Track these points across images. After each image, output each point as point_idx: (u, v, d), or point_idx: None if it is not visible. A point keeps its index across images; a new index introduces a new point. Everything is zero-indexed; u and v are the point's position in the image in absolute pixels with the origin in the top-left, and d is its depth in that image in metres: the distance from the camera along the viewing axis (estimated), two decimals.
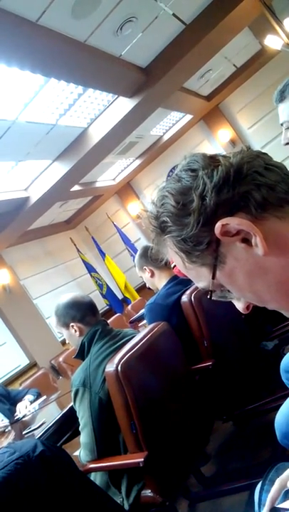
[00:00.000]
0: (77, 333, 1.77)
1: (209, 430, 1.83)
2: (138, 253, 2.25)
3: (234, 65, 5.87)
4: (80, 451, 1.59)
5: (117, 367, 1.45)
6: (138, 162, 6.99)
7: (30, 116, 3.66)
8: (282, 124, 1.36)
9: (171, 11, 3.46)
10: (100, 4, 2.86)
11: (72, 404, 1.70)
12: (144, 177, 7.53)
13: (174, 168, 7.04)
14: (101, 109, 4.42)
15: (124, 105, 4.35)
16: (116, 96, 4.27)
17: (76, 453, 1.64)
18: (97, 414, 1.53)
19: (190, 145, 7.06)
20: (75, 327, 1.77)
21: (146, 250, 2.19)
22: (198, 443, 1.73)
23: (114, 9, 3.01)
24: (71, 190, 5.70)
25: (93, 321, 1.78)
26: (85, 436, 1.56)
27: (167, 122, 6.43)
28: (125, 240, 7.22)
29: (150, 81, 4.14)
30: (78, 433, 1.68)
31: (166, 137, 6.79)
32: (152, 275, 2.18)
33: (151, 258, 2.13)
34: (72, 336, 1.80)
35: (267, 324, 2.34)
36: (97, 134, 4.56)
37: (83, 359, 1.73)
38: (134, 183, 7.66)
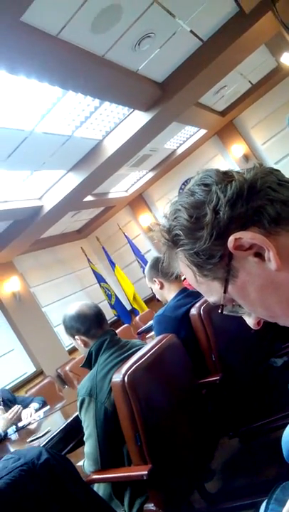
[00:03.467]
0: (82, 345, 1.79)
1: (214, 445, 1.81)
2: (148, 264, 2.26)
3: (250, 82, 5.93)
4: (84, 461, 1.59)
5: (123, 377, 1.44)
6: (151, 175, 7.05)
7: (46, 127, 3.73)
8: None
9: (188, 27, 3.53)
10: (119, 20, 2.93)
11: (77, 413, 1.70)
12: (157, 189, 7.58)
13: (186, 181, 7.08)
14: (116, 122, 4.49)
15: (140, 119, 4.41)
16: (132, 109, 4.34)
17: (80, 463, 1.63)
18: (102, 424, 1.53)
19: (203, 159, 7.10)
20: (79, 340, 1.79)
21: (156, 262, 2.20)
22: (203, 458, 1.71)
23: (133, 25, 3.08)
24: (84, 200, 5.76)
25: (99, 333, 1.79)
26: (89, 446, 1.55)
27: (181, 136, 6.49)
28: (135, 250, 7.25)
29: (166, 96, 4.20)
30: (83, 443, 1.68)
31: (179, 151, 6.85)
32: (162, 287, 2.19)
33: (161, 272, 2.14)
34: (79, 346, 1.83)
35: (276, 341, 2.31)
36: (111, 146, 4.63)
37: (90, 368, 1.73)
38: (146, 195, 7.71)
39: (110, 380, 1.52)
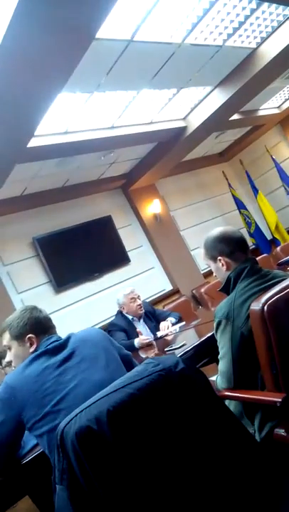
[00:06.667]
0: (224, 267, 1.74)
1: None
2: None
3: None
4: (217, 377, 1.66)
5: (263, 306, 1.41)
6: None
7: (196, 39, 3.48)
8: None
9: None
10: None
11: (212, 333, 1.75)
12: None
13: None
14: (274, 27, 3.92)
15: None
16: None
17: (212, 378, 1.71)
18: (238, 347, 1.55)
19: None
20: (222, 261, 1.73)
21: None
22: None
23: None
24: (230, 119, 5.41)
25: (242, 257, 1.72)
26: (223, 365, 1.60)
27: None
28: (283, 176, 6.66)
29: None
30: (214, 360, 1.73)
31: None
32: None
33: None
34: (219, 269, 1.77)
35: None
36: (266, 55, 4.11)
37: (228, 293, 1.72)
38: None
39: (248, 308, 1.50)
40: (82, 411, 1.07)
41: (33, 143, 3.57)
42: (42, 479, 1.50)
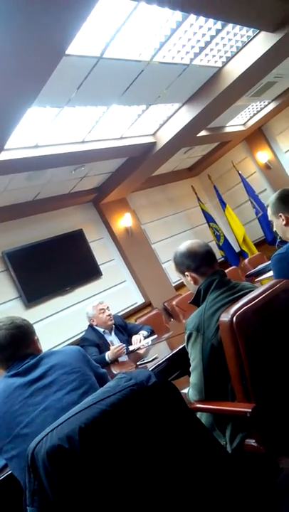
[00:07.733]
0: (192, 281, 1.79)
1: None
2: (275, 196, 2.04)
3: None
4: (189, 389, 1.67)
5: (232, 317, 1.44)
6: (273, 105, 6.41)
7: (164, 57, 3.57)
8: None
9: None
10: None
11: (183, 345, 1.77)
12: (279, 122, 6.88)
13: None
14: (239, 47, 4.09)
15: (266, 41, 3.94)
16: (257, 31, 3.89)
17: (184, 390, 1.72)
18: (208, 358, 1.57)
19: None
20: (189, 276, 1.80)
21: (286, 195, 2.00)
22: None
23: None
24: (198, 135, 5.55)
25: (209, 271, 1.77)
26: (194, 377, 1.62)
27: None
28: (249, 190, 6.87)
29: None
30: (186, 372, 1.75)
31: None
32: (287, 224, 2.00)
33: None
34: (188, 282, 1.84)
35: None
36: (232, 73, 4.27)
37: (198, 306, 1.75)
38: (266, 129, 7.09)
39: (218, 319, 1.53)
40: (53, 430, 1.05)
41: (2, 156, 3.53)
42: (12, 501, 1.45)
